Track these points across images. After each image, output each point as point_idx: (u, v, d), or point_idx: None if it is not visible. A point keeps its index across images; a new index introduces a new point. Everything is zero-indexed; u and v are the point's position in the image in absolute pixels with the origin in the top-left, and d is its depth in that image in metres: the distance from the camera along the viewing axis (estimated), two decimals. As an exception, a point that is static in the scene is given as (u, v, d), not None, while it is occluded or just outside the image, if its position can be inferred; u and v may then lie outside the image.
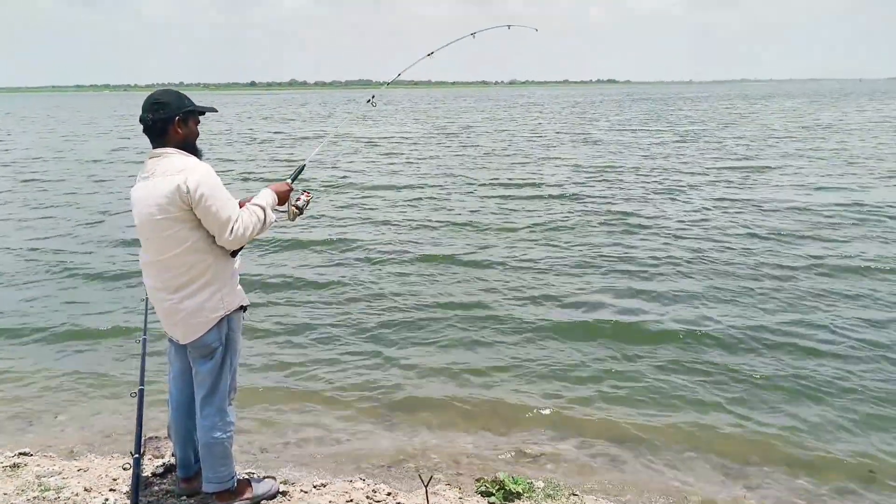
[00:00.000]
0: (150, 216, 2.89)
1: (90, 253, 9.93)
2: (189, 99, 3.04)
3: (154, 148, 2.97)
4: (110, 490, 3.50)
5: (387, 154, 22.90)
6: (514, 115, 48.98)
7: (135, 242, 10.17)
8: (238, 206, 3.00)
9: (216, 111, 3.29)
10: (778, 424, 4.75)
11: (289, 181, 3.34)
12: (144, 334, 3.65)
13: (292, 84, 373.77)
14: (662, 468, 4.24)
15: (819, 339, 6.14)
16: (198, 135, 3.08)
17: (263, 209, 3.06)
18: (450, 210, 12.68)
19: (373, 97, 4.30)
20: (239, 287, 3.14)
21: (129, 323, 6.75)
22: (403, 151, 23.58)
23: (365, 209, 12.94)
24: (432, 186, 15.43)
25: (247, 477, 3.46)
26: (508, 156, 21.49)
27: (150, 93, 3.05)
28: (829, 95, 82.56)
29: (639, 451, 4.42)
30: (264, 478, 3.57)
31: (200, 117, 3.11)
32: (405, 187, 15.43)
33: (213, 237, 2.95)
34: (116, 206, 13.44)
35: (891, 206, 11.70)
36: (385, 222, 11.69)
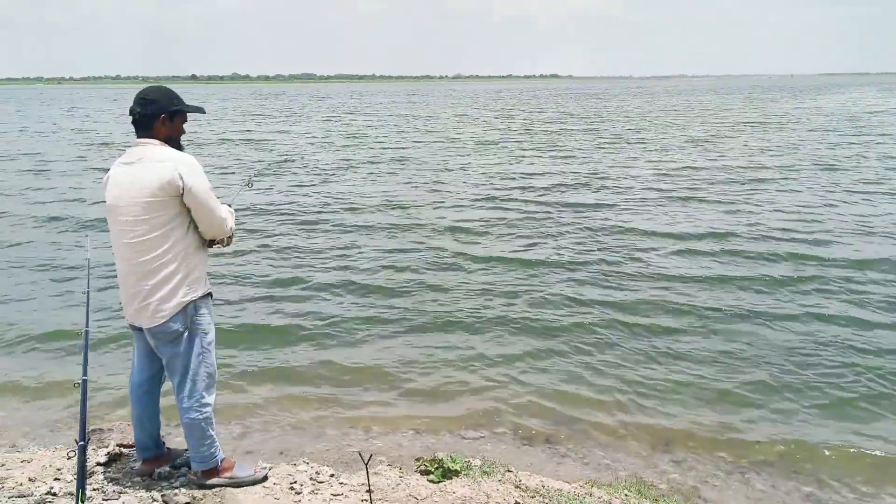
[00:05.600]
0: (132, 199, 3.01)
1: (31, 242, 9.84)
2: (179, 98, 3.21)
3: (139, 138, 3.13)
4: (55, 479, 3.53)
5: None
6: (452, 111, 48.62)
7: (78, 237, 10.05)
8: None
9: (203, 112, 3.44)
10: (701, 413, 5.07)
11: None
12: (87, 326, 3.69)
13: (234, 78, 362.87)
14: (594, 448, 4.49)
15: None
16: (183, 132, 3.24)
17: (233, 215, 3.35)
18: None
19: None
20: (205, 275, 3.28)
21: (70, 317, 6.69)
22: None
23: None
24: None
25: (234, 459, 3.56)
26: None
27: (144, 89, 3.18)
28: (768, 90, 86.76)
29: (573, 433, 4.67)
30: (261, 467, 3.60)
31: (189, 115, 3.26)
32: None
33: (189, 225, 3.10)
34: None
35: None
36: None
